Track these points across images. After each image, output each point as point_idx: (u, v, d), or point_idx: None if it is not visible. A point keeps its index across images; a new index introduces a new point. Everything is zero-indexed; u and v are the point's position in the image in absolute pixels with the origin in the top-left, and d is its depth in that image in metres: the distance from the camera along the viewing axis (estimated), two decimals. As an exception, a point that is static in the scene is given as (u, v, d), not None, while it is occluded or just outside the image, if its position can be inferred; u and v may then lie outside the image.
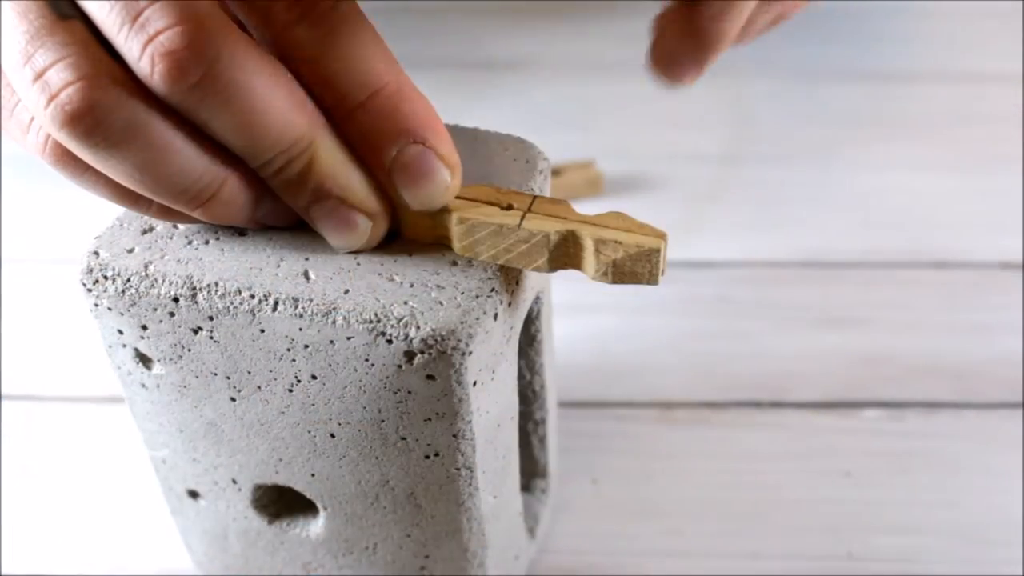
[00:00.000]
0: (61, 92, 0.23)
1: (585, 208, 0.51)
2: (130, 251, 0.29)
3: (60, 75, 0.23)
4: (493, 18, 0.79)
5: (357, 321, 0.27)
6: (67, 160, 0.26)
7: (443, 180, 0.27)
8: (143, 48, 0.23)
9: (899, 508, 0.44)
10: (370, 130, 0.26)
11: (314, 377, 0.29)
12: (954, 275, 0.55)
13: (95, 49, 0.24)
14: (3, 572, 0.42)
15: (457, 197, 0.28)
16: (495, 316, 0.28)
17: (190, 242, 0.29)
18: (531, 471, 0.40)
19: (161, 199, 0.26)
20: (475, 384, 0.28)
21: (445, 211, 0.28)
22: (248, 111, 0.24)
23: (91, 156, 0.25)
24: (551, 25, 0.75)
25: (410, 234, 0.29)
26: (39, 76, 0.24)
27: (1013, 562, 0.41)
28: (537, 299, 0.33)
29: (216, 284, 0.28)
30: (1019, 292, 0.54)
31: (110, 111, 0.24)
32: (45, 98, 0.24)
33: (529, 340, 0.35)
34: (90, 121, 0.24)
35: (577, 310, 0.52)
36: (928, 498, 0.44)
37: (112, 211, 0.31)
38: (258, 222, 0.28)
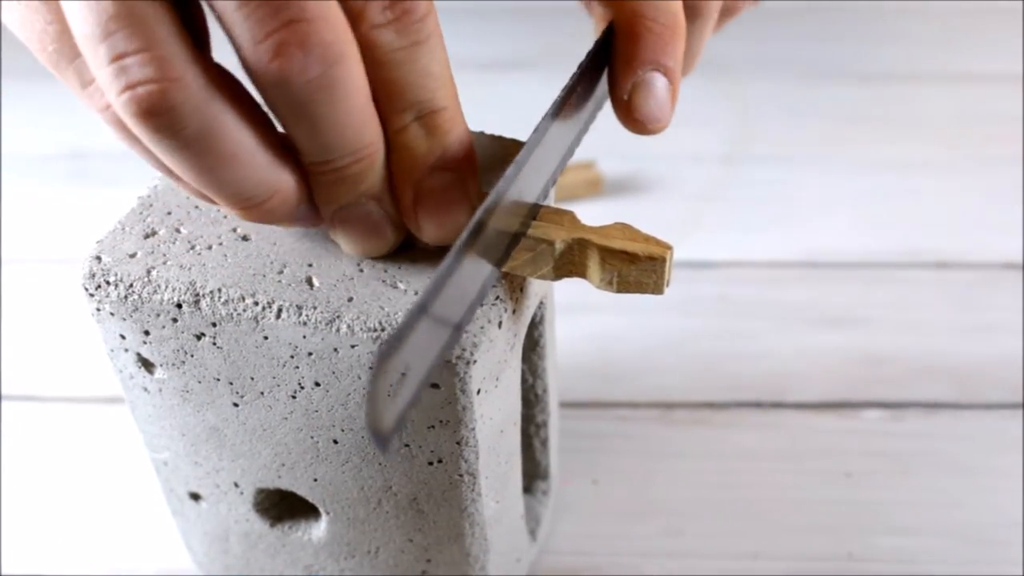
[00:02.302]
0: (139, 87, 0.23)
1: (586, 208, 0.50)
2: (132, 256, 0.29)
3: (142, 70, 0.23)
4: (493, 18, 0.79)
5: (361, 329, 0.27)
6: (123, 129, 0.25)
7: (463, 217, 0.27)
8: (268, 34, 0.22)
9: (899, 508, 0.44)
10: (420, 145, 0.26)
11: (317, 384, 0.29)
12: (954, 275, 0.55)
13: (181, 45, 0.23)
14: (3, 572, 0.42)
15: None
16: (499, 324, 0.28)
17: (193, 247, 0.29)
18: (532, 473, 0.40)
19: (211, 196, 0.26)
20: (479, 392, 0.28)
21: None
22: (344, 116, 0.24)
23: (154, 146, 0.24)
24: (551, 25, 0.75)
25: (419, 242, 0.29)
26: (117, 59, 0.23)
27: (1013, 562, 0.41)
28: (541, 305, 0.33)
29: (219, 290, 0.28)
30: (1019, 292, 0.54)
31: (187, 116, 0.23)
32: (120, 84, 0.23)
33: (532, 345, 0.35)
34: (164, 121, 0.23)
35: (578, 311, 0.52)
36: (928, 498, 0.44)
37: (113, 213, 0.31)
38: (290, 224, 0.28)
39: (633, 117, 0.29)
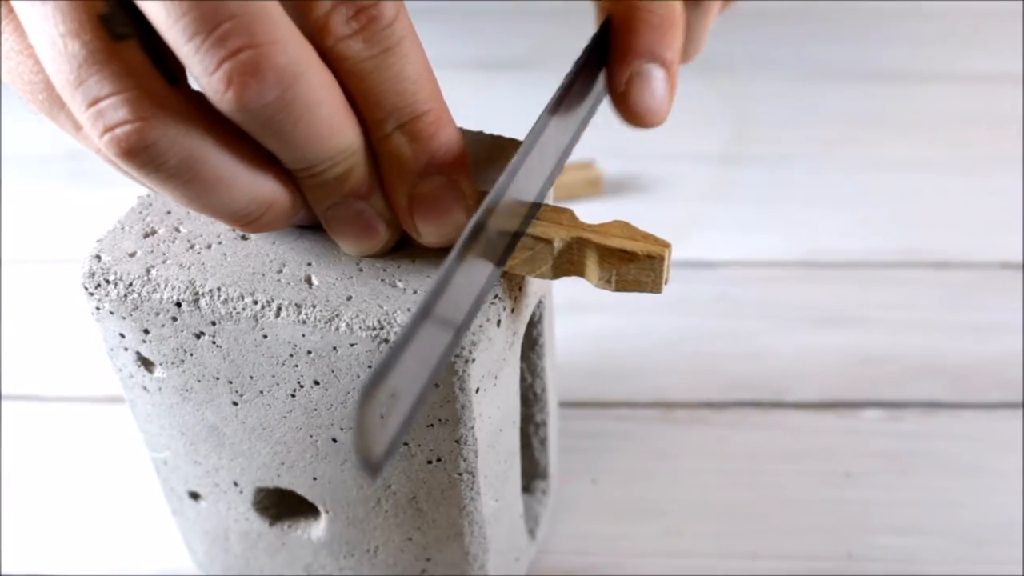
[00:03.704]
0: (117, 128, 0.23)
1: (585, 208, 0.50)
2: (132, 255, 0.29)
3: (117, 112, 0.23)
4: (493, 18, 0.79)
5: (360, 328, 0.27)
6: (117, 165, 0.26)
7: (459, 218, 0.27)
8: (218, 64, 0.22)
9: (899, 508, 0.44)
10: (405, 153, 0.26)
11: (317, 383, 0.29)
12: (954, 275, 0.55)
13: (152, 81, 0.23)
14: (3, 572, 0.42)
15: None
16: (498, 323, 0.28)
17: (192, 246, 0.29)
18: (531, 472, 0.40)
19: (207, 216, 0.26)
20: (478, 391, 0.28)
21: None
22: (311, 130, 0.24)
23: (144, 180, 0.25)
24: (551, 25, 0.75)
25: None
26: (93, 104, 0.23)
27: (1013, 562, 0.41)
28: (539, 303, 0.33)
29: (219, 289, 0.28)
30: (1019, 292, 0.54)
31: (166, 150, 0.23)
32: (100, 128, 0.23)
33: (531, 344, 0.35)
34: (145, 158, 0.23)
35: (577, 310, 0.52)
36: (927, 498, 0.44)
37: (113, 213, 0.31)
38: (293, 225, 0.28)
39: (630, 110, 0.29)
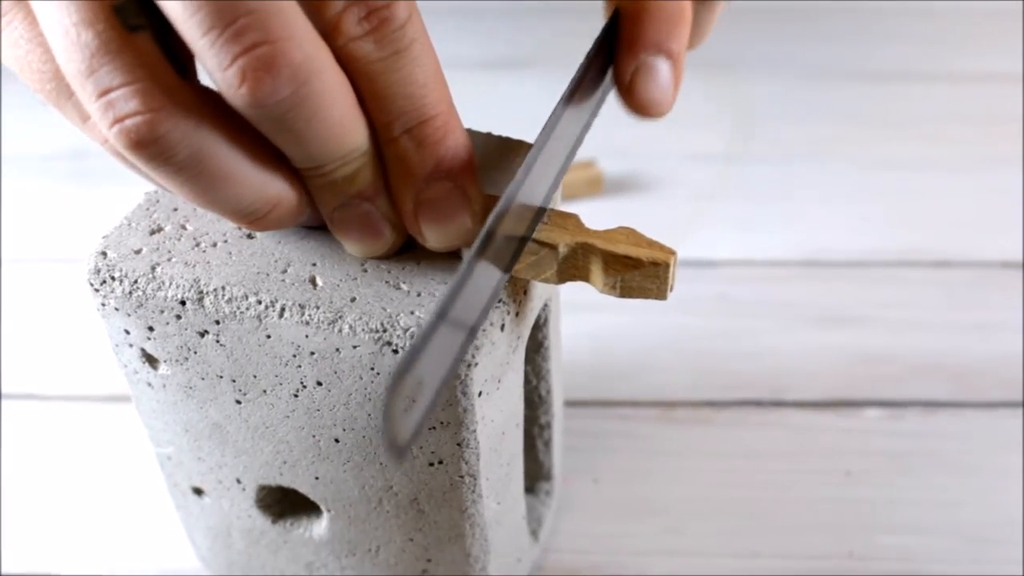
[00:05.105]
0: (127, 119, 0.23)
1: (586, 207, 0.50)
2: (137, 252, 0.29)
3: (127, 103, 0.23)
4: (493, 18, 0.79)
5: (363, 330, 0.27)
6: (124, 158, 0.26)
7: (465, 223, 0.27)
8: (233, 59, 0.22)
9: (899, 508, 0.44)
10: (412, 157, 0.26)
11: (319, 383, 0.29)
12: (954, 275, 0.55)
13: (164, 73, 0.23)
14: (3, 572, 0.42)
15: None
16: (502, 327, 0.28)
17: (198, 244, 0.29)
18: (535, 474, 0.40)
19: (215, 213, 0.26)
20: (480, 394, 0.28)
21: None
22: (323, 128, 0.24)
23: (151, 173, 0.25)
24: (551, 25, 0.75)
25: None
26: (103, 94, 0.23)
27: (1013, 562, 0.42)
28: (545, 306, 0.33)
29: (223, 289, 0.28)
30: (1019, 292, 0.54)
31: (176, 143, 0.23)
32: (109, 118, 0.23)
33: (536, 346, 0.35)
34: (155, 151, 0.23)
35: (579, 309, 0.52)
36: (928, 497, 0.44)
37: (114, 212, 0.31)
38: (299, 225, 0.28)
39: (635, 100, 0.29)
